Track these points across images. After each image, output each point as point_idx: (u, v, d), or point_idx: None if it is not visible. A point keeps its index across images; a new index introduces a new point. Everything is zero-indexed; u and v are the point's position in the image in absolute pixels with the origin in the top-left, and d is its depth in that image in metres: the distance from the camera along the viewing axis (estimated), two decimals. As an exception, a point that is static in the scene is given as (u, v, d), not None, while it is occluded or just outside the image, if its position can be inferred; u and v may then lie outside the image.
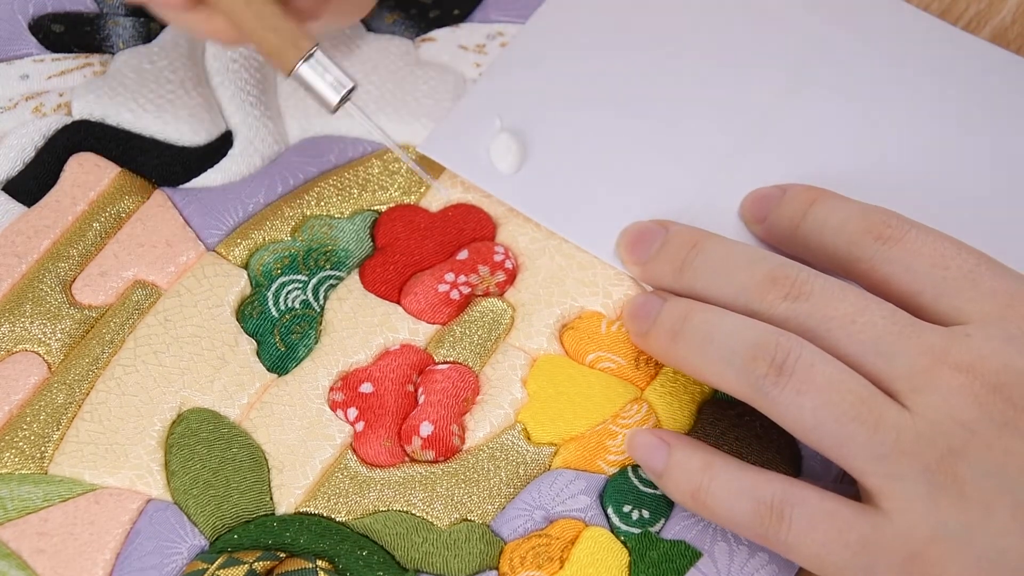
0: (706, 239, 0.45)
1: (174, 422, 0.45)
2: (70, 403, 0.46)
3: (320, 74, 0.44)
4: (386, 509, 0.44)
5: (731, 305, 0.43)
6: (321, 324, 0.47)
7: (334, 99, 0.45)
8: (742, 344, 0.41)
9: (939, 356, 0.40)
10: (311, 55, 0.44)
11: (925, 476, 0.39)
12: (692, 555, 0.43)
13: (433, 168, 0.50)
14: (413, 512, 0.44)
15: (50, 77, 0.52)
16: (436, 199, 0.49)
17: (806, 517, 0.40)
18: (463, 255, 0.48)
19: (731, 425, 0.45)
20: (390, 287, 0.48)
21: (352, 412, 0.46)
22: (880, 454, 0.39)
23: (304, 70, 0.44)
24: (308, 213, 0.49)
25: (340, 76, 0.45)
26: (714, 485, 0.41)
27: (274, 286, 0.48)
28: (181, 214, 0.49)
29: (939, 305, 0.41)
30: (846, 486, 0.43)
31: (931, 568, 0.39)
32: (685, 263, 0.45)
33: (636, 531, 0.44)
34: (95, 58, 0.52)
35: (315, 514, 0.44)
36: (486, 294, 0.48)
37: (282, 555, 0.43)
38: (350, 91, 0.45)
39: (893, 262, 0.42)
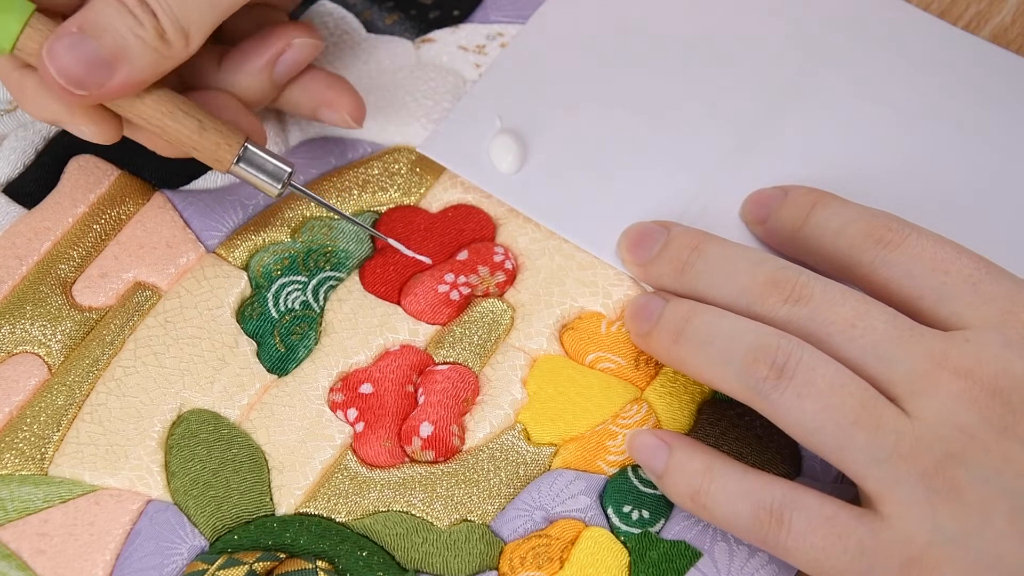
0: (707, 241, 0.45)
1: (174, 423, 0.45)
2: (70, 404, 0.46)
3: (259, 165, 0.45)
4: (386, 510, 0.44)
5: (732, 307, 0.43)
6: (321, 325, 0.47)
7: (274, 189, 0.45)
8: (743, 346, 0.41)
9: (939, 361, 0.40)
10: (243, 150, 0.45)
11: (923, 481, 0.39)
12: (692, 555, 0.43)
13: (433, 168, 0.50)
14: (413, 512, 0.44)
15: (50, 79, 0.52)
16: (436, 200, 0.49)
17: (805, 522, 0.40)
18: (463, 256, 0.48)
19: (731, 425, 0.45)
20: (390, 288, 0.48)
21: (352, 413, 0.46)
22: (879, 458, 0.39)
23: (239, 167, 0.45)
24: (308, 214, 0.49)
25: (277, 164, 0.45)
26: (714, 488, 0.41)
27: (274, 287, 0.48)
28: (181, 216, 0.49)
29: (939, 310, 0.41)
30: (846, 487, 0.43)
31: (929, 573, 0.38)
32: (686, 265, 0.45)
33: (636, 531, 0.43)
34: (95, 60, 0.52)
35: (315, 515, 0.44)
36: (486, 294, 0.48)
37: (282, 556, 0.43)
38: (289, 176, 0.45)
39: (893, 266, 0.42)
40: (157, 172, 0.50)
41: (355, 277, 0.48)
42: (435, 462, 0.45)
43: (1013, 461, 0.39)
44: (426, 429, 0.45)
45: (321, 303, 0.48)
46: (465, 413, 0.46)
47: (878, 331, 0.41)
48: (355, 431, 0.45)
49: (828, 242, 0.44)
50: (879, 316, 0.41)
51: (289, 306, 0.47)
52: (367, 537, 0.44)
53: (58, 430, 0.45)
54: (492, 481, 0.44)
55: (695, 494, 0.41)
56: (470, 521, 0.44)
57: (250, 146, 0.45)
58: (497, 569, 0.43)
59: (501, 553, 0.43)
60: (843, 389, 0.40)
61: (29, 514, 0.44)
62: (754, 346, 0.41)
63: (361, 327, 0.47)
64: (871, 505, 0.40)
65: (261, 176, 0.45)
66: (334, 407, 0.46)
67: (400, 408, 0.46)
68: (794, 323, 0.42)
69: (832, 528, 0.39)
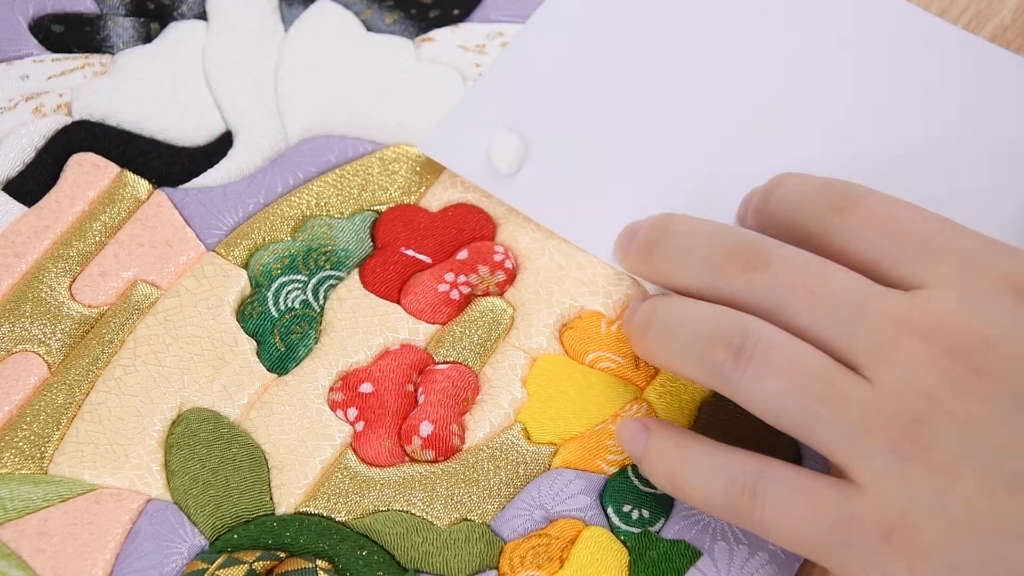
0: (674, 220, 0.44)
1: (174, 422, 0.45)
2: (70, 403, 0.46)
3: None
4: (386, 509, 0.44)
5: (694, 281, 0.43)
6: (321, 324, 0.47)
7: None
8: (701, 331, 0.41)
9: (899, 324, 0.39)
10: None
11: (893, 448, 0.39)
12: (692, 555, 0.43)
13: (433, 167, 0.50)
14: (413, 512, 0.44)
15: (50, 78, 0.52)
16: (436, 199, 0.49)
17: (780, 495, 0.39)
18: (463, 255, 0.48)
19: (731, 423, 0.45)
20: (390, 287, 0.48)
21: (352, 412, 0.46)
22: (846, 432, 0.39)
23: None
24: (308, 213, 0.49)
25: None
26: (687, 467, 0.41)
27: (274, 286, 0.48)
28: (181, 214, 0.49)
29: (897, 271, 0.41)
30: None
31: (908, 538, 0.38)
32: (653, 244, 0.44)
33: (636, 531, 0.43)
34: (95, 58, 0.52)
35: (315, 514, 0.44)
36: (486, 294, 0.48)
37: (282, 555, 0.43)
38: None
39: (849, 233, 0.42)
40: (157, 170, 0.50)
41: (355, 276, 0.48)
42: (435, 461, 0.45)
43: (978, 420, 0.38)
44: (426, 428, 0.45)
45: (321, 302, 0.48)
46: (465, 412, 0.46)
47: (837, 297, 0.40)
48: (355, 430, 0.45)
49: (790, 216, 0.44)
50: (838, 281, 0.41)
51: (289, 305, 0.47)
52: (367, 536, 0.44)
53: (58, 429, 0.45)
54: (492, 480, 0.45)
55: (671, 475, 0.41)
56: (470, 520, 0.44)
57: None
58: (497, 568, 0.43)
59: (501, 552, 0.43)
60: (803, 366, 0.40)
61: (29, 513, 0.44)
62: (710, 330, 0.41)
63: (361, 326, 0.47)
64: (845, 478, 0.39)
65: None
66: (334, 406, 0.46)
67: (400, 407, 0.46)
68: (755, 293, 0.41)
69: (809, 499, 0.39)
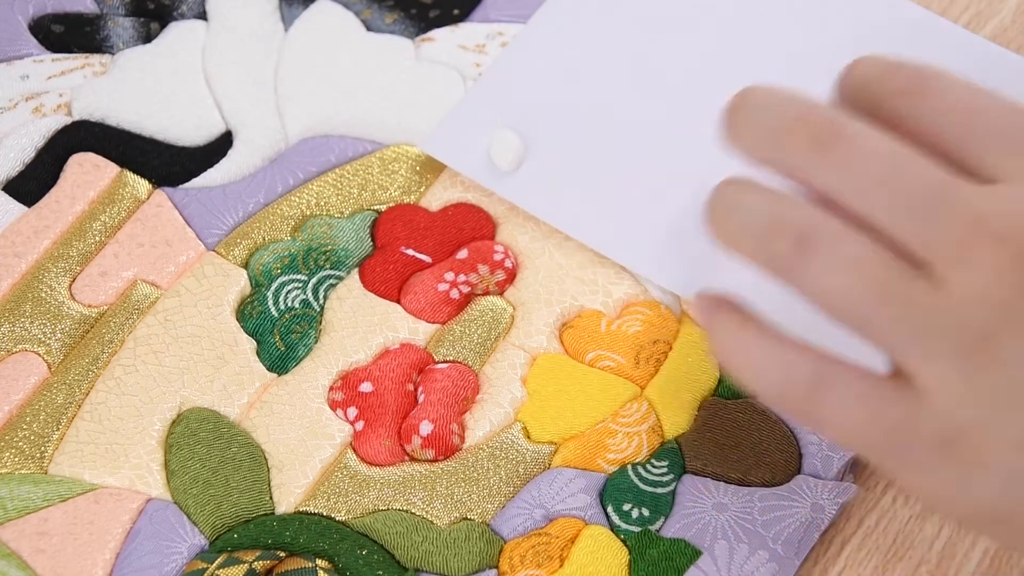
0: (757, 85, 0.40)
1: (174, 422, 0.45)
2: (70, 403, 0.46)
3: None
4: (386, 508, 0.44)
5: (760, 153, 0.39)
6: (321, 323, 0.47)
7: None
8: (765, 218, 0.38)
9: (975, 224, 0.36)
10: None
11: (960, 356, 0.36)
12: (692, 553, 0.43)
13: (433, 167, 0.50)
14: (413, 511, 0.44)
15: (50, 77, 0.52)
16: (436, 198, 0.50)
17: (839, 396, 0.37)
18: (463, 254, 0.48)
19: (731, 421, 0.45)
20: (390, 286, 0.48)
21: (352, 411, 0.46)
22: (911, 335, 0.36)
23: None
24: (308, 213, 0.49)
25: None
26: (749, 350, 0.38)
27: (274, 286, 0.48)
28: (181, 214, 0.49)
29: (975, 162, 0.38)
30: (847, 484, 0.43)
31: (969, 451, 0.36)
32: (733, 111, 0.40)
33: (636, 529, 0.43)
34: (95, 58, 0.52)
35: (315, 513, 0.44)
36: (486, 293, 0.48)
37: (282, 554, 0.43)
38: None
39: (920, 118, 0.39)
40: (157, 170, 0.50)
41: (355, 276, 0.48)
42: (435, 460, 0.45)
43: None
44: (426, 427, 0.45)
45: (321, 302, 0.48)
46: (465, 411, 0.46)
47: (913, 190, 0.37)
48: (355, 429, 0.45)
49: (859, 98, 0.40)
50: (916, 171, 0.37)
51: (289, 304, 0.47)
52: (367, 536, 0.44)
53: (58, 429, 0.45)
54: (492, 479, 0.44)
55: (730, 354, 0.38)
56: (470, 519, 0.44)
57: None
58: (497, 568, 0.43)
59: (501, 551, 0.43)
60: (869, 264, 0.37)
61: (29, 513, 0.44)
62: (776, 218, 0.38)
63: (361, 326, 0.47)
64: (905, 380, 0.37)
65: None
66: (334, 406, 0.46)
67: (400, 406, 0.46)
68: (821, 173, 0.38)
69: (869, 403, 0.37)
